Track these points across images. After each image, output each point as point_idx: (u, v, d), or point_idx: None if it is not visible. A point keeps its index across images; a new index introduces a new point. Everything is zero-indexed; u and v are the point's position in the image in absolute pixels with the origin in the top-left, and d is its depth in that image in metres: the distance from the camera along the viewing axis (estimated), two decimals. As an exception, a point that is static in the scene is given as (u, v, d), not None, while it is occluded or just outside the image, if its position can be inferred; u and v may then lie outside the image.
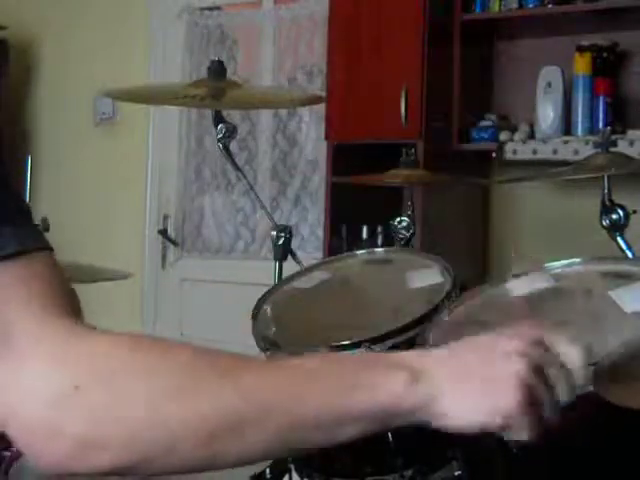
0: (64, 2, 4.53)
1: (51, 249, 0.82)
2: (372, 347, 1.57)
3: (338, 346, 1.56)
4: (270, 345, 1.64)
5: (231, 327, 3.24)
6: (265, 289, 1.84)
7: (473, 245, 3.59)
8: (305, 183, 4.04)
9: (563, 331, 0.88)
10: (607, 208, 1.91)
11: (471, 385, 0.77)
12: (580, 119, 3.25)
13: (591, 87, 3.25)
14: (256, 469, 1.53)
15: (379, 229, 3.45)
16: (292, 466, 1.68)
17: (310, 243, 3.98)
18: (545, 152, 3.22)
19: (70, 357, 0.75)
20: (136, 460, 0.73)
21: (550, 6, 3.22)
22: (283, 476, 1.68)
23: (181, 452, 0.73)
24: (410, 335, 1.57)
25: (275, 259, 2.06)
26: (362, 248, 2.15)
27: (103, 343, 0.76)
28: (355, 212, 3.41)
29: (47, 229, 1.96)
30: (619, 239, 1.89)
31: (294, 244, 2.10)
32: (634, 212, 1.92)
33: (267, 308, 1.77)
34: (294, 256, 2.07)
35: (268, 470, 1.52)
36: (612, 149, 2.00)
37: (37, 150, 4.54)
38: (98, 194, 4.44)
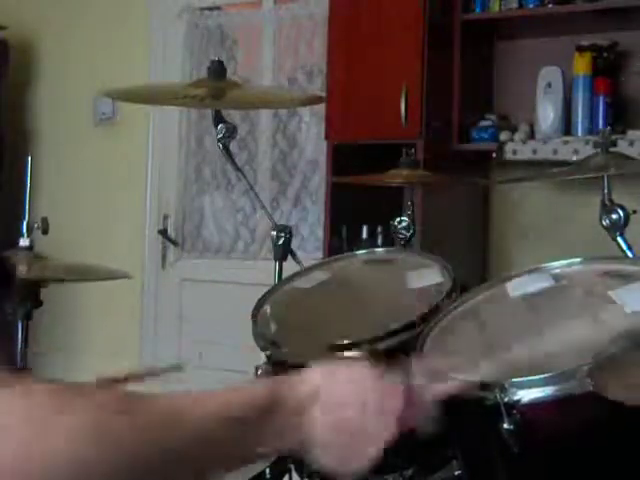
0: (64, 2, 4.53)
1: None
2: (372, 347, 1.57)
3: (338, 346, 1.56)
4: (270, 345, 1.64)
5: (231, 327, 3.24)
6: (265, 289, 1.84)
7: (473, 245, 3.59)
8: (305, 183, 4.04)
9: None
10: (607, 208, 1.91)
11: (342, 441, 0.86)
12: (580, 119, 3.25)
13: (591, 87, 3.25)
14: (256, 469, 1.53)
15: (379, 229, 3.45)
16: (292, 466, 1.69)
17: (310, 243, 3.98)
18: (545, 152, 3.22)
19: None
20: None
21: (550, 6, 3.22)
22: (283, 476, 1.69)
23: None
24: (410, 335, 1.57)
25: (275, 259, 2.06)
26: (362, 248, 2.15)
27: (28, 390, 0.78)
28: (355, 212, 3.41)
29: (47, 229, 1.96)
30: (619, 239, 1.89)
31: (294, 244, 2.10)
32: (634, 212, 1.92)
33: (267, 308, 1.77)
34: (294, 256, 2.07)
35: (268, 470, 1.52)
36: (612, 149, 2.00)
37: (37, 150, 4.54)
38: (98, 194, 4.44)
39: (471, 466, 1.48)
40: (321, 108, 3.49)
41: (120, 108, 4.35)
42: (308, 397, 0.85)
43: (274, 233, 2.06)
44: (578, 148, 3.11)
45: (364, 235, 3.50)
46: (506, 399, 1.29)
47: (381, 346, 1.57)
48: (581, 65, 3.26)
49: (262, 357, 1.65)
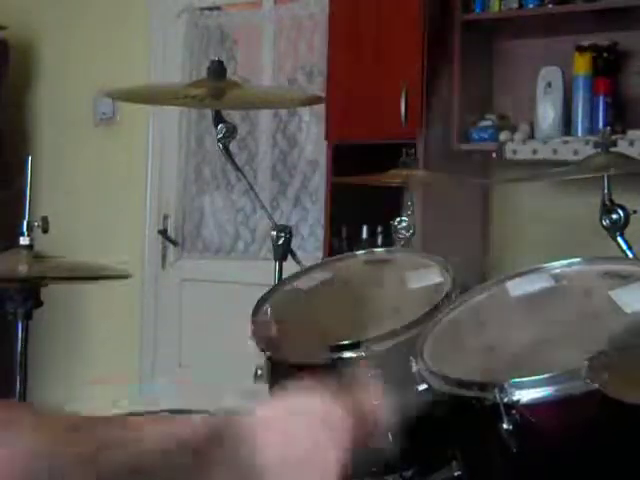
0: (64, 2, 4.53)
1: None
2: (372, 347, 1.57)
3: (338, 346, 1.56)
4: (270, 345, 1.64)
5: (231, 327, 3.24)
6: (265, 289, 1.84)
7: (473, 245, 3.59)
8: (305, 183, 4.04)
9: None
10: (607, 208, 1.91)
11: (292, 474, 0.84)
12: (580, 119, 3.25)
13: (591, 87, 3.25)
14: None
15: (379, 229, 3.45)
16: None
17: (310, 243, 3.98)
18: (545, 152, 3.22)
19: None
20: None
21: (550, 6, 3.22)
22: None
23: None
24: (410, 335, 1.57)
25: (275, 259, 2.06)
26: (362, 248, 2.15)
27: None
28: (355, 212, 3.41)
29: (47, 228, 1.96)
30: (619, 239, 1.89)
31: (294, 244, 2.10)
32: (634, 212, 1.92)
33: (267, 308, 1.77)
34: (294, 256, 2.07)
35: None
36: (612, 149, 2.00)
37: (37, 150, 4.54)
38: (98, 194, 4.44)
39: (471, 466, 1.48)
40: (321, 108, 3.49)
41: (120, 108, 4.35)
42: (254, 430, 0.84)
43: (274, 233, 2.06)
44: (578, 148, 3.11)
45: (364, 235, 3.50)
46: (505, 399, 1.29)
47: (381, 346, 1.57)
48: (581, 65, 3.26)
49: (262, 357, 1.65)
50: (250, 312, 1.74)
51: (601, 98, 3.24)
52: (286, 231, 2.06)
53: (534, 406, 1.29)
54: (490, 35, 3.56)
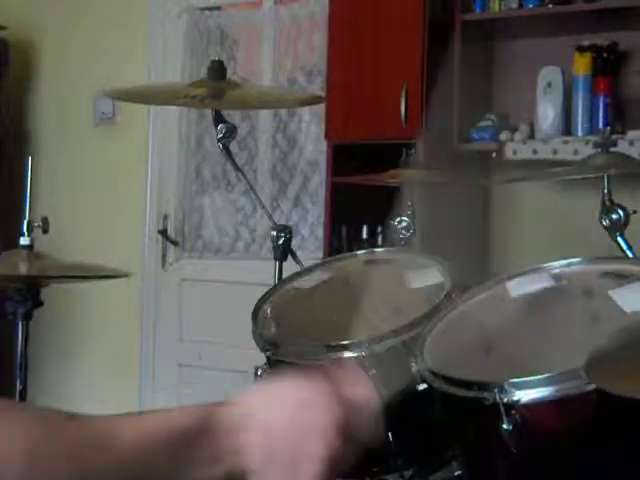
0: (64, 2, 4.53)
1: None
2: (372, 347, 1.57)
3: (338, 346, 1.56)
4: (270, 345, 1.64)
5: (231, 327, 3.24)
6: (265, 289, 1.84)
7: (473, 245, 3.59)
8: (305, 183, 4.04)
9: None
10: (607, 208, 1.91)
11: (278, 467, 0.83)
12: (580, 119, 3.25)
13: (591, 87, 3.25)
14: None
15: (379, 229, 3.45)
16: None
17: (310, 243, 3.98)
18: (545, 152, 3.22)
19: None
20: None
21: (550, 6, 3.22)
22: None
23: None
24: (410, 335, 1.57)
25: (275, 259, 2.06)
26: (362, 248, 2.15)
27: None
28: (355, 212, 3.41)
29: (47, 228, 1.97)
30: (619, 239, 1.89)
31: (294, 244, 2.10)
32: (634, 212, 1.92)
33: (267, 308, 1.77)
34: (294, 256, 2.07)
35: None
36: (612, 149, 2.00)
37: (37, 150, 4.54)
38: (98, 194, 4.44)
39: (471, 466, 1.48)
40: (321, 108, 3.49)
41: (120, 108, 4.35)
42: (242, 419, 0.84)
43: (274, 233, 2.06)
44: (578, 148, 3.11)
45: (364, 235, 3.50)
46: (505, 399, 1.29)
47: (381, 346, 1.57)
48: (581, 65, 3.26)
49: (262, 357, 1.65)
50: (250, 312, 1.74)
51: (601, 98, 3.24)
52: (286, 231, 2.06)
53: (534, 406, 1.29)
54: (490, 35, 3.57)
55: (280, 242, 2.05)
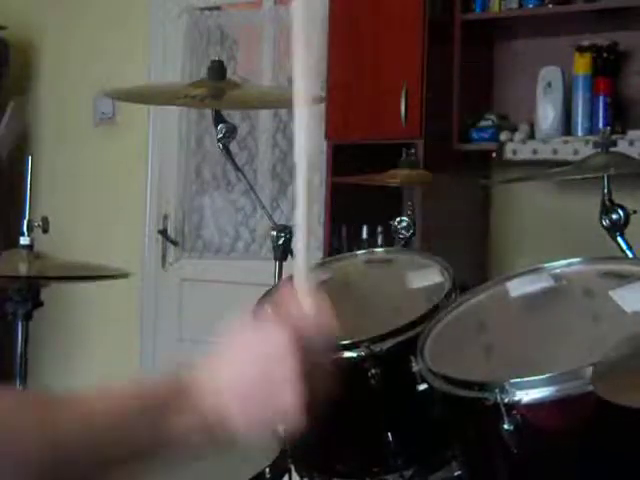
0: (64, 2, 4.52)
1: None
2: (372, 347, 1.57)
3: (338, 346, 1.56)
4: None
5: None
6: (265, 289, 1.84)
7: (473, 245, 3.59)
8: (305, 183, 4.03)
9: None
10: (607, 208, 1.91)
11: (255, 402, 0.86)
12: (580, 119, 3.25)
13: (591, 87, 3.25)
14: (256, 469, 1.53)
15: (379, 229, 3.45)
16: (292, 466, 1.69)
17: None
18: (545, 152, 3.21)
19: None
20: None
21: (550, 6, 3.22)
22: (283, 476, 1.68)
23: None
24: (410, 335, 1.57)
25: (275, 259, 2.06)
26: (362, 248, 2.15)
27: None
28: (355, 212, 3.41)
29: (47, 228, 1.97)
30: (619, 239, 1.89)
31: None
32: (634, 212, 1.92)
33: (267, 308, 1.77)
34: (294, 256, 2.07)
35: (268, 470, 1.52)
36: (612, 149, 2.00)
37: (37, 150, 4.54)
38: (98, 194, 4.44)
39: (471, 466, 1.48)
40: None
41: (120, 108, 4.35)
42: (210, 378, 0.86)
43: (274, 233, 2.06)
44: (578, 148, 3.11)
45: (364, 235, 3.50)
46: (506, 400, 1.29)
47: (381, 346, 1.57)
48: (581, 65, 3.25)
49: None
50: (250, 312, 1.74)
51: (601, 98, 3.23)
52: (286, 231, 2.06)
53: (535, 406, 1.29)
54: (490, 35, 3.56)
55: (280, 242, 2.05)
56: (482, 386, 1.33)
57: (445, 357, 1.48)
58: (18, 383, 1.99)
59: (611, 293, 1.47)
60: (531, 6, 3.26)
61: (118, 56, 4.33)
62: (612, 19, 3.19)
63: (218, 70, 2.07)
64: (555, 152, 3.19)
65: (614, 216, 1.90)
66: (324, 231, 3.57)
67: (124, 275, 2.07)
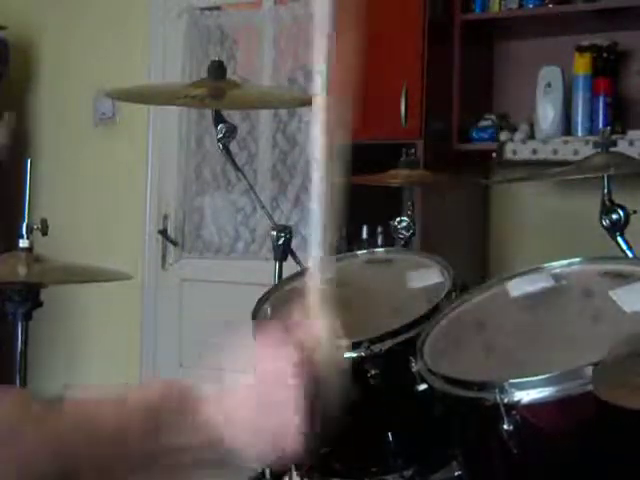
0: (64, 2, 4.52)
1: None
2: (372, 347, 1.57)
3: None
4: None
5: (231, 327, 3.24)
6: (265, 289, 1.84)
7: (473, 245, 3.59)
8: (305, 183, 4.04)
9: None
10: (607, 208, 1.91)
11: (262, 438, 0.85)
12: (580, 119, 3.25)
13: (591, 87, 3.25)
14: (256, 469, 1.53)
15: (379, 229, 3.45)
16: (292, 466, 1.68)
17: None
18: (545, 152, 3.21)
19: None
20: None
21: (550, 6, 3.22)
22: (283, 476, 1.68)
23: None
24: (410, 335, 1.57)
25: (275, 259, 2.06)
26: (362, 248, 2.15)
27: None
28: (355, 212, 3.39)
29: (46, 231, 1.96)
30: (619, 239, 1.89)
31: (294, 244, 2.10)
32: (634, 212, 1.92)
33: (267, 308, 1.77)
34: (294, 256, 2.07)
35: (268, 470, 1.52)
36: (612, 149, 2.00)
37: (37, 150, 4.54)
38: (98, 194, 4.43)
39: (471, 466, 1.48)
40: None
41: (120, 108, 4.35)
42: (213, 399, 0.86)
43: (274, 233, 2.06)
44: (578, 148, 3.11)
45: (364, 235, 3.50)
46: (506, 400, 1.29)
47: (381, 346, 1.57)
48: (581, 65, 3.25)
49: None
50: (250, 312, 1.74)
51: (601, 98, 3.23)
52: (286, 231, 2.06)
53: (535, 406, 1.29)
54: (490, 35, 3.56)
55: (280, 242, 2.05)
56: (482, 386, 1.33)
57: (445, 357, 1.48)
58: (18, 383, 1.99)
59: (611, 293, 1.47)
60: (531, 6, 3.26)
61: (118, 56, 4.33)
62: (612, 19, 3.19)
63: (218, 70, 2.07)
64: (555, 152, 3.19)
65: (614, 216, 1.90)
66: (324, 231, 3.57)
67: (125, 278, 2.07)
